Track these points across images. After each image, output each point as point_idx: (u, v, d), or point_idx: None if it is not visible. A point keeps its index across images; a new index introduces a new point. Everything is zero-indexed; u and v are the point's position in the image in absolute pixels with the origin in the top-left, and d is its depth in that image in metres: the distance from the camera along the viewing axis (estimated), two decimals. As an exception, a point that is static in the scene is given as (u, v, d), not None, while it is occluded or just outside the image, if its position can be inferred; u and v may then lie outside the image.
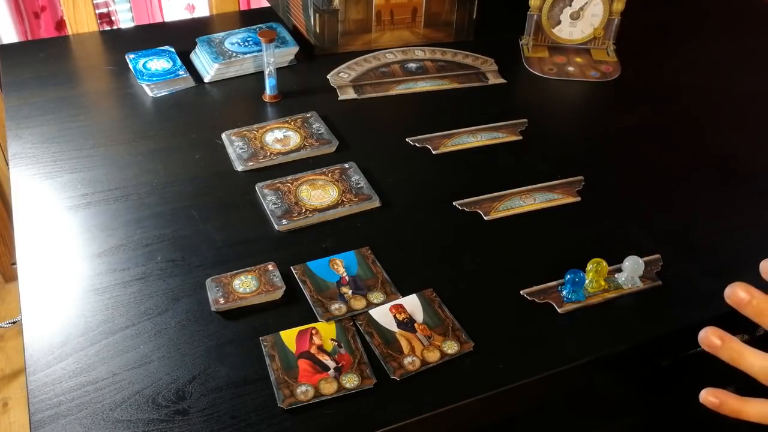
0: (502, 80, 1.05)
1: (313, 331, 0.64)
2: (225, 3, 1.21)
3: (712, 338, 0.54)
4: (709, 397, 0.54)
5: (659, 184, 0.86)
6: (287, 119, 0.93)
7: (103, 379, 0.60)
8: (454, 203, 0.80)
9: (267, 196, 0.80)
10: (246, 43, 1.04)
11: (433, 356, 0.63)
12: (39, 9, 1.44)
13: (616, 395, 0.98)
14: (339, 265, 0.72)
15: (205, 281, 0.69)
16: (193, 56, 1.06)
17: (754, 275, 0.73)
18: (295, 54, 1.06)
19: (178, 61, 1.02)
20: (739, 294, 0.54)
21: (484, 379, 0.61)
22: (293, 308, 0.67)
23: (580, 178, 0.85)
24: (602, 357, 0.65)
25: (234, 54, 1.02)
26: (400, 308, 0.67)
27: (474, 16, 1.12)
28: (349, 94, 1.00)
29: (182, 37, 1.08)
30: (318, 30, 1.06)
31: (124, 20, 1.56)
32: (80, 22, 1.14)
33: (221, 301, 0.67)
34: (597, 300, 0.69)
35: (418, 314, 0.67)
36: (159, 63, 1.02)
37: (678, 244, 0.76)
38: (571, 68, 1.08)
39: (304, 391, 0.59)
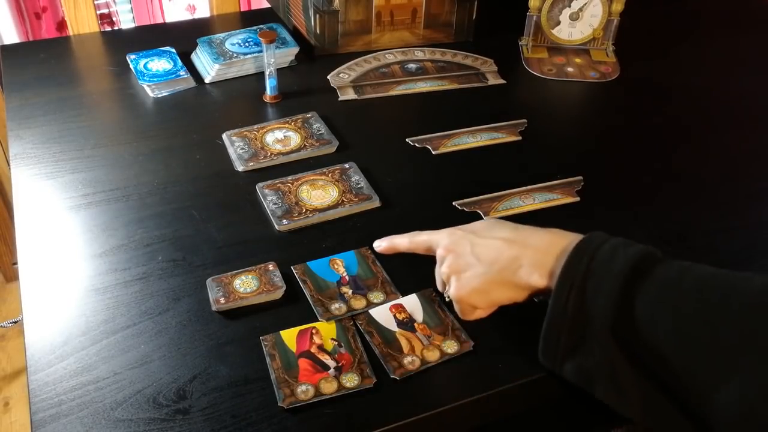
0: (502, 81, 1.05)
1: (314, 331, 0.65)
2: (226, 4, 1.22)
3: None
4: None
5: (658, 184, 0.86)
6: (288, 120, 0.93)
7: (104, 379, 0.60)
8: (453, 203, 0.81)
9: (267, 196, 0.80)
10: (246, 44, 1.04)
11: (432, 356, 0.63)
12: (40, 9, 1.45)
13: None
14: (339, 265, 0.72)
15: (206, 281, 0.69)
16: (193, 57, 1.06)
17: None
18: (296, 55, 1.06)
19: (179, 62, 1.03)
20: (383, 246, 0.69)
21: (483, 378, 0.61)
22: (293, 308, 0.67)
23: (580, 178, 0.85)
24: (601, 356, 0.65)
25: (234, 54, 1.02)
26: (400, 308, 0.67)
27: (474, 17, 1.12)
28: (350, 95, 1.00)
29: (183, 37, 1.09)
30: (318, 31, 1.06)
31: (125, 21, 1.56)
32: (81, 22, 1.15)
33: (222, 300, 0.67)
34: (596, 300, 0.69)
35: (418, 314, 0.67)
36: (160, 63, 1.02)
37: (677, 244, 0.77)
38: (570, 69, 1.08)
39: (304, 391, 0.59)
